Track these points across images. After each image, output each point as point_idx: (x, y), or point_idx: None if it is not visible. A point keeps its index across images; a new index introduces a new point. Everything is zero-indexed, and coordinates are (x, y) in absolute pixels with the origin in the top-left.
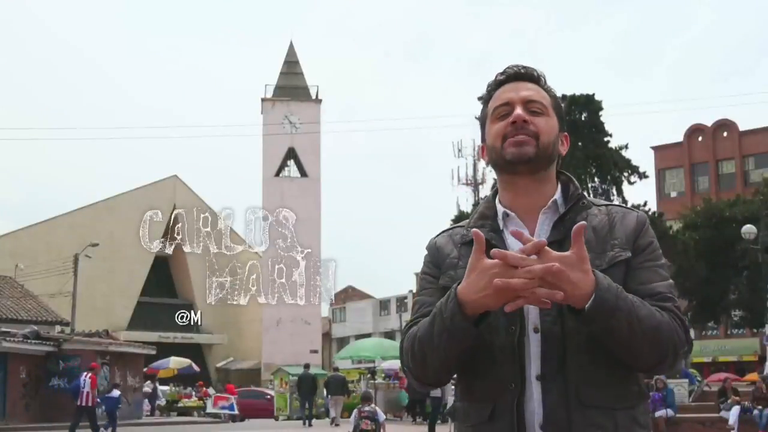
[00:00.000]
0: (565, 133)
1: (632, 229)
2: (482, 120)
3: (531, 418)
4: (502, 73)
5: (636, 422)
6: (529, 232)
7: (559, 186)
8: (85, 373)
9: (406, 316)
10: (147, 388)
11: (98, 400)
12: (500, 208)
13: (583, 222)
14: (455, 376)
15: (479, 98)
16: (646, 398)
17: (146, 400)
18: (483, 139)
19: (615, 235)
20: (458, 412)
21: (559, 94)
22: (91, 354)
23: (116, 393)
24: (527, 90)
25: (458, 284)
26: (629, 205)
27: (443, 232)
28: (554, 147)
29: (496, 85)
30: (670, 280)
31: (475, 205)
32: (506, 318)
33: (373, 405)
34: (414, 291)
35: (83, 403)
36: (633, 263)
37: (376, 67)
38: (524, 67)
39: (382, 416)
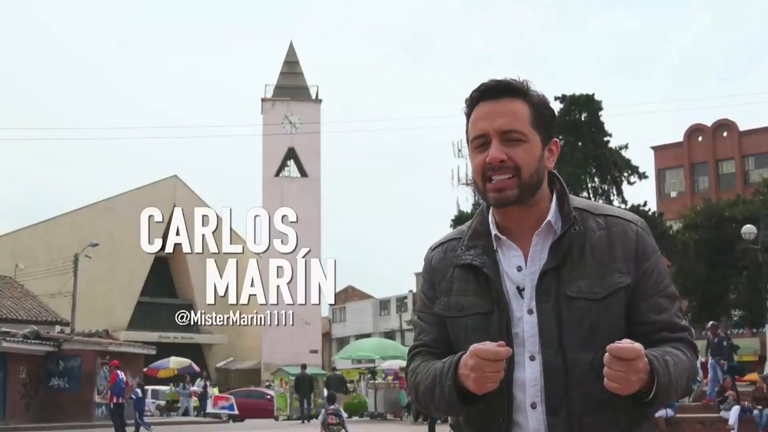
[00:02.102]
0: (554, 140)
1: (633, 249)
2: (466, 135)
3: None
4: (476, 90)
5: None
6: (522, 254)
7: (554, 199)
8: (121, 372)
9: (406, 316)
10: (197, 387)
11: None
12: (493, 230)
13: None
14: None
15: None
16: (649, 417)
17: (189, 398)
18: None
19: (615, 256)
20: (461, 428)
21: (559, 94)
22: (91, 354)
23: (139, 392)
24: (502, 116)
25: (461, 358)
26: (629, 205)
27: (439, 245)
28: (539, 173)
29: (473, 102)
30: (678, 300)
31: (475, 205)
32: None
33: (336, 405)
34: (414, 291)
35: (121, 401)
36: (642, 291)
37: (376, 66)
38: (498, 81)
39: (344, 414)
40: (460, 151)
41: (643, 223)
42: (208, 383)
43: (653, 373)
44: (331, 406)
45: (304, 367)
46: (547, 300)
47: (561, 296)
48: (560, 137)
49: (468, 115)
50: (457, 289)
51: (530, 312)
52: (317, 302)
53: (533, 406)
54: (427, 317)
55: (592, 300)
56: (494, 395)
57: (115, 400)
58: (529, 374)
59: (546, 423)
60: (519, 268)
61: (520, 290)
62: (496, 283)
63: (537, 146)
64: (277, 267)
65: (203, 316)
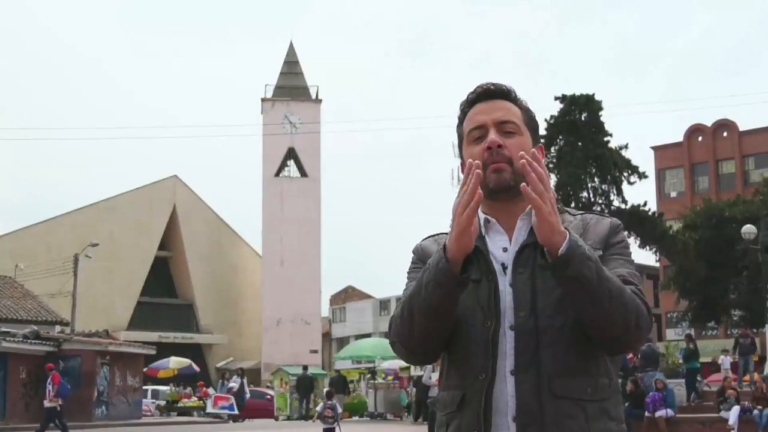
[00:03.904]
0: (540, 145)
1: (605, 231)
2: (459, 138)
3: (504, 410)
4: (473, 92)
5: (607, 414)
6: (507, 237)
7: None
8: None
9: None
10: (234, 383)
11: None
12: (481, 215)
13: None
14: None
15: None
16: (617, 392)
17: (231, 396)
18: (461, 156)
19: (588, 237)
20: (439, 402)
21: (559, 94)
22: (92, 354)
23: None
24: (499, 110)
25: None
26: (629, 205)
27: (429, 237)
28: None
29: (468, 104)
30: (638, 274)
31: None
32: (483, 313)
33: (334, 400)
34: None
35: (62, 403)
36: (603, 256)
37: (376, 67)
38: (494, 84)
39: (339, 409)
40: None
41: (618, 221)
42: (245, 380)
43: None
44: (329, 402)
45: (305, 368)
46: (523, 272)
47: (536, 267)
48: (560, 137)
49: (461, 119)
50: None
51: (511, 285)
52: (317, 302)
53: (512, 372)
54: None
55: None
56: (477, 357)
57: (60, 402)
58: (509, 343)
59: (515, 381)
60: (504, 249)
61: (504, 268)
62: (485, 255)
63: (528, 142)
64: (278, 267)
65: (203, 316)
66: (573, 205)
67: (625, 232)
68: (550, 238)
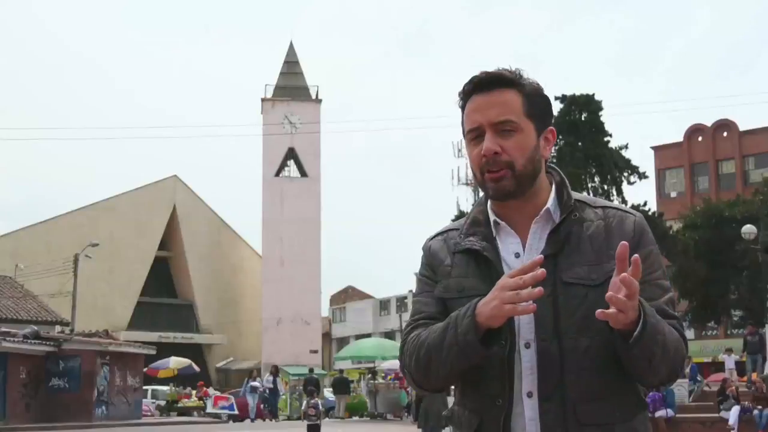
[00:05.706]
0: (550, 128)
1: (630, 237)
2: (462, 128)
3: None
4: (468, 83)
5: None
6: (521, 241)
7: (553, 189)
8: None
9: (406, 316)
10: (266, 383)
11: None
12: (492, 216)
13: (626, 245)
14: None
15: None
16: (644, 408)
17: (255, 395)
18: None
19: (612, 244)
20: (455, 416)
21: (559, 94)
22: (92, 354)
23: None
24: (495, 107)
25: (479, 300)
26: (629, 205)
27: (438, 234)
28: (534, 162)
29: (465, 95)
30: (671, 292)
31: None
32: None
33: (316, 399)
34: (414, 291)
35: None
36: None
37: (376, 67)
38: (489, 73)
39: (320, 408)
40: (460, 151)
41: (641, 216)
42: (278, 378)
43: (640, 312)
44: (312, 400)
45: (311, 370)
46: (543, 287)
47: (557, 282)
48: (560, 137)
49: (462, 108)
50: (457, 273)
51: None
52: (317, 302)
53: (529, 395)
54: (426, 297)
55: (589, 286)
56: (493, 379)
57: None
58: (525, 362)
59: (539, 407)
60: (517, 255)
61: None
62: (497, 266)
63: (531, 135)
64: (278, 267)
65: (203, 316)
66: None
67: (649, 231)
68: (624, 325)
